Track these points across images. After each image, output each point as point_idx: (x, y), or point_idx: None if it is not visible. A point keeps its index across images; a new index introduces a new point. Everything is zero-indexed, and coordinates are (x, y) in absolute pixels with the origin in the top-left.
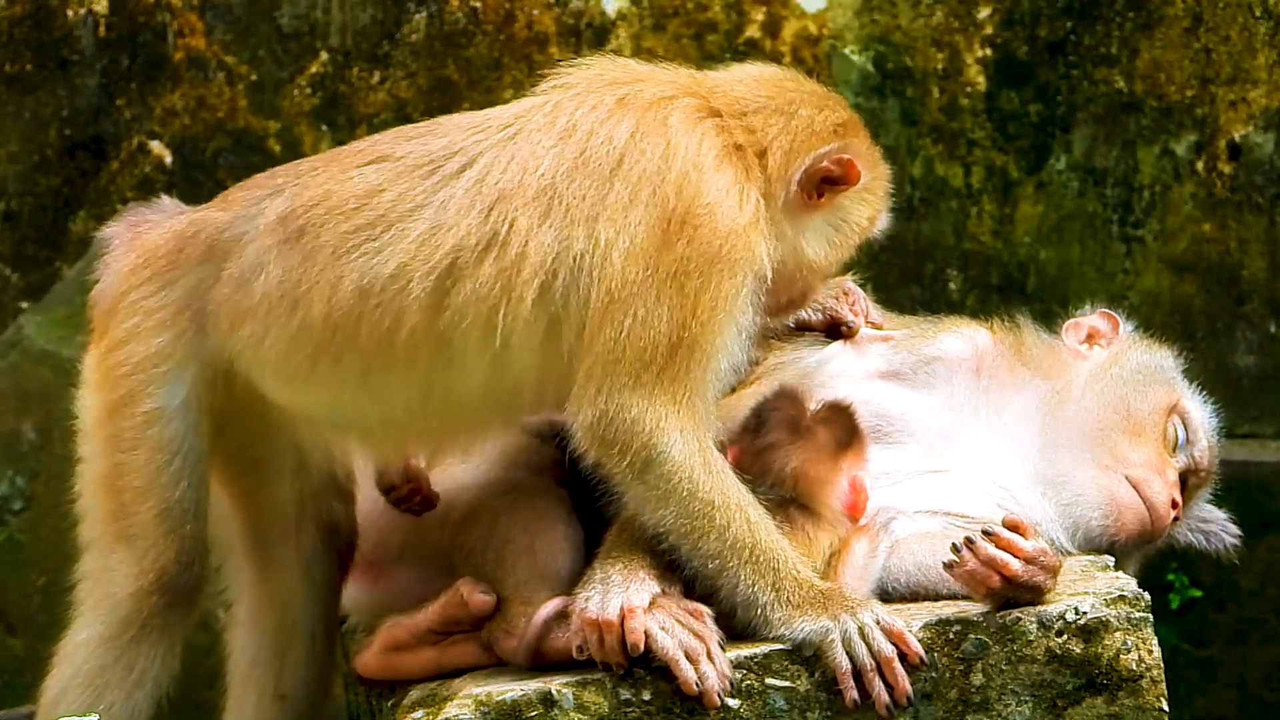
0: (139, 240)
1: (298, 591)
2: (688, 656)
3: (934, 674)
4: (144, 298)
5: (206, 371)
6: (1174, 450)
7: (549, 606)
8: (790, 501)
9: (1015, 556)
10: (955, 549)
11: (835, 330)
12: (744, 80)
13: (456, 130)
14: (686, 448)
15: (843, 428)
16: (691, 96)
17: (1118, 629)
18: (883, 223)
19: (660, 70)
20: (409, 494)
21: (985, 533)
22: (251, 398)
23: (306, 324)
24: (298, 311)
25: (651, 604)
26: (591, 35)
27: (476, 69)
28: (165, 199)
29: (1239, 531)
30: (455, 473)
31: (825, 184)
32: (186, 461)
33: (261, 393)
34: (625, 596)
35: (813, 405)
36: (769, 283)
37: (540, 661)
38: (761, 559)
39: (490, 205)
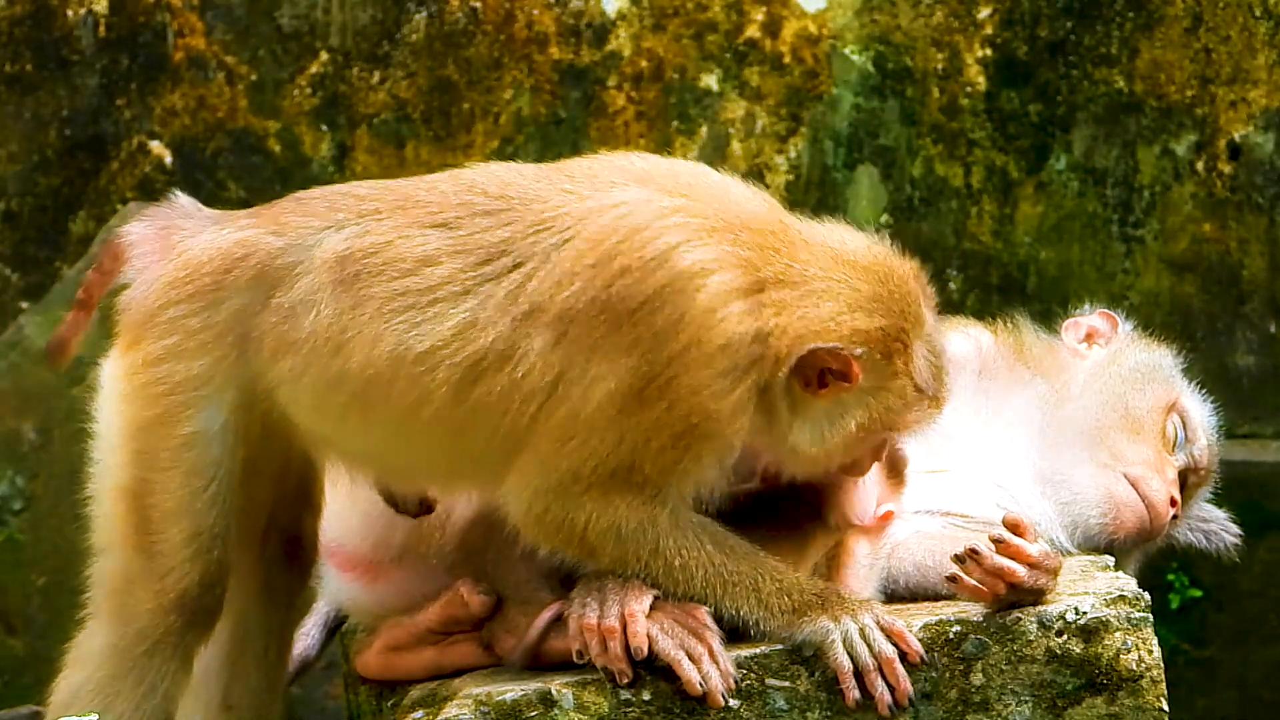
0: (178, 251)
1: (256, 600)
2: (690, 657)
3: (934, 674)
4: (185, 315)
5: (245, 397)
6: (1173, 449)
7: (547, 613)
8: (790, 495)
9: (1020, 563)
10: (958, 559)
11: None
12: (829, 244)
13: (520, 222)
14: (635, 533)
15: (895, 458)
16: (740, 269)
17: (1118, 629)
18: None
19: (739, 213)
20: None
21: (992, 539)
22: (278, 422)
23: (345, 371)
24: (339, 357)
25: (651, 608)
26: (591, 35)
27: (476, 69)
28: (182, 197)
29: (1239, 531)
30: None
31: (830, 376)
32: (222, 487)
33: (292, 420)
34: (624, 602)
35: None
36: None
37: (539, 664)
38: (737, 586)
39: (521, 316)
